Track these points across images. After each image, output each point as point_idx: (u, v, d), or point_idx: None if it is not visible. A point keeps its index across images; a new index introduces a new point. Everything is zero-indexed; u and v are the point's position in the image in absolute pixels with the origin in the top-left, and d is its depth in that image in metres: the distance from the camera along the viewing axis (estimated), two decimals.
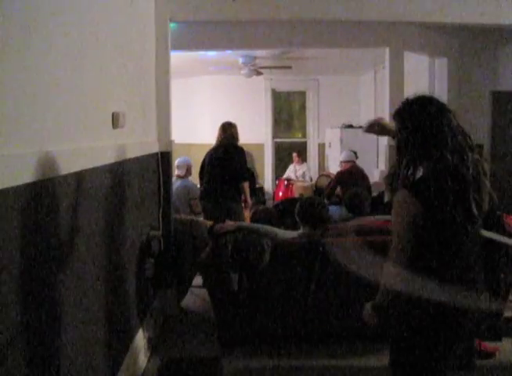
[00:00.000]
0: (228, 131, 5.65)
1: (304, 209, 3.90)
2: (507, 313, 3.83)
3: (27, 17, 1.77)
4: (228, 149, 5.60)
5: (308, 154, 10.95)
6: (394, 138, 2.17)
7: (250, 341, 3.82)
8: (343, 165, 6.89)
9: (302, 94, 11.05)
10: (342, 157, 7.04)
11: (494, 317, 3.75)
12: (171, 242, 4.45)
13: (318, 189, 8.30)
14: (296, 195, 8.52)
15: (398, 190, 2.07)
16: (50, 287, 1.95)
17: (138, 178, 3.60)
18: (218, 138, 5.70)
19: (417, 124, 2.04)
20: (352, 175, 6.57)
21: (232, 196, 5.53)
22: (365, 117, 10.03)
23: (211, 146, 5.81)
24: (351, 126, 9.67)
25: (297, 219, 3.93)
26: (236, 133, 5.70)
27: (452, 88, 6.29)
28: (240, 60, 8.12)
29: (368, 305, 2.17)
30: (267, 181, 10.83)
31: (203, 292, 4.50)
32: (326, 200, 5.84)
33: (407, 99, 2.12)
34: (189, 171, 5.96)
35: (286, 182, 9.44)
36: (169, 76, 4.49)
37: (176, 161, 5.90)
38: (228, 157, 5.54)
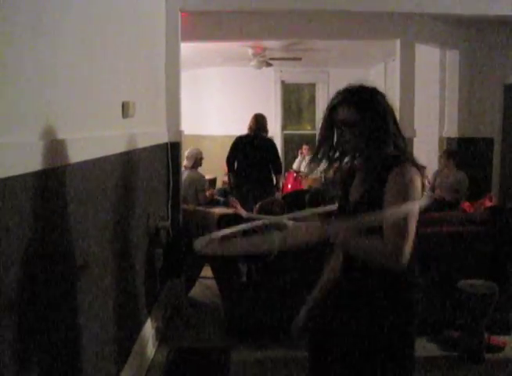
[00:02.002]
0: (260, 122, 6.13)
1: (315, 199, 3.90)
2: None
3: (38, 7, 1.77)
4: (264, 140, 6.17)
5: None
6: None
7: (258, 333, 3.82)
8: None
9: (312, 86, 10.99)
10: None
11: (503, 311, 3.74)
12: (180, 232, 4.46)
13: (326, 182, 8.29)
14: (305, 187, 8.52)
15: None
16: (58, 277, 1.96)
17: (148, 168, 3.60)
18: (251, 127, 6.13)
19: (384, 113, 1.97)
20: None
21: (268, 184, 6.11)
22: None
23: (240, 135, 6.20)
24: None
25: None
26: (266, 125, 6.22)
27: (463, 80, 6.23)
28: (250, 52, 8.08)
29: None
30: None
31: (212, 283, 4.51)
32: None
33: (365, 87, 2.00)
34: (197, 163, 5.96)
35: (295, 175, 9.42)
36: (179, 66, 4.48)
37: (186, 152, 5.92)
38: (265, 149, 6.07)
